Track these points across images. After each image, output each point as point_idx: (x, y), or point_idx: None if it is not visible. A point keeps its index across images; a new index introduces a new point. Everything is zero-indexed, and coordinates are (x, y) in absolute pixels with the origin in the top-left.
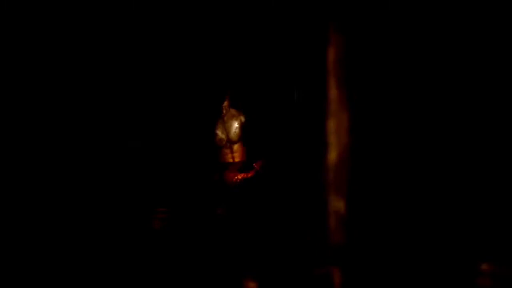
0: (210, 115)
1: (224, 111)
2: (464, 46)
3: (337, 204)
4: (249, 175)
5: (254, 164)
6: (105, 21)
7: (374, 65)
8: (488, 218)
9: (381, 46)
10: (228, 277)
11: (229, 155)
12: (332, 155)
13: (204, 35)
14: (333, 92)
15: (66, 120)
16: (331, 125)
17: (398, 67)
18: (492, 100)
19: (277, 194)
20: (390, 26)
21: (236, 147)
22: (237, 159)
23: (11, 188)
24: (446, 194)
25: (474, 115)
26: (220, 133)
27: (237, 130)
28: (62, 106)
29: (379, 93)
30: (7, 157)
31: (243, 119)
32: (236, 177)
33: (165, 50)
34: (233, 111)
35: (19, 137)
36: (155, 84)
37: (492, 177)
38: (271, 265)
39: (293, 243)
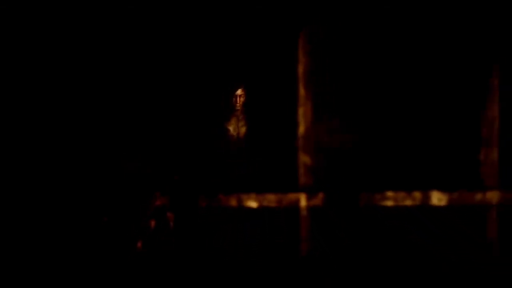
0: (220, 110)
1: (238, 108)
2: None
3: (304, 158)
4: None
5: None
6: (112, 18)
7: (326, 75)
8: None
9: (332, 65)
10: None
11: (236, 151)
12: (301, 129)
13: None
14: (301, 91)
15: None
16: (301, 111)
17: (342, 77)
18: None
19: (265, 155)
20: (340, 52)
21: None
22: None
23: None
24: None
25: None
26: (232, 129)
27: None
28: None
29: (330, 91)
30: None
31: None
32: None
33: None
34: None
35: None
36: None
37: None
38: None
39: (274, 182)
